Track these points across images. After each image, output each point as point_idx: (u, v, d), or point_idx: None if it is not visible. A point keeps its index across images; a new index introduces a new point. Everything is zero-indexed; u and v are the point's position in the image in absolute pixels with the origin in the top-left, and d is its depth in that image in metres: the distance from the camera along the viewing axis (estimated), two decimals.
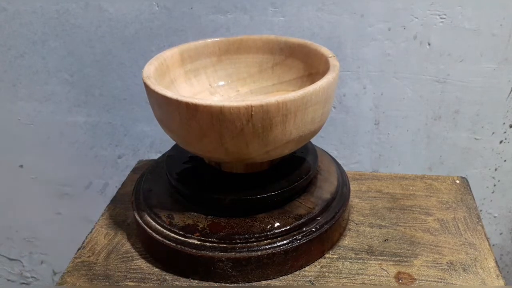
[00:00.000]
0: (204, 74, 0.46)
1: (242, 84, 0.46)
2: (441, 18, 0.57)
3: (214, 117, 0.32)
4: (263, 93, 0.45)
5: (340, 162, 0.47)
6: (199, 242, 0.36)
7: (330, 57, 0.38)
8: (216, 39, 0.45)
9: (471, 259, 0.38)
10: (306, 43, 0.42)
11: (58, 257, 0.83)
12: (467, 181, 0.49)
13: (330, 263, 0.38)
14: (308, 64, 0.42)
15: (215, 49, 0.45)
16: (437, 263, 0.38)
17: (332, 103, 0.38)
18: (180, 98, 0.32)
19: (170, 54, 0.42)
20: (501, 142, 0.66)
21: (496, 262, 0.38)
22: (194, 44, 0.44)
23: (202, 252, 0.35)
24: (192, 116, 0.32)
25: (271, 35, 0.45)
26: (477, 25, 0.57)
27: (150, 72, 0.38)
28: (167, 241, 0.37)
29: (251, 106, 0.31)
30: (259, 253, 0.35)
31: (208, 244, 0.36)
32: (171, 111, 0.34)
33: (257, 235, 0.36)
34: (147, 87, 0.35)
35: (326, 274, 0.37)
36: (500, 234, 0.75)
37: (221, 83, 0.46)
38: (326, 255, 0.39)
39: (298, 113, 0.33)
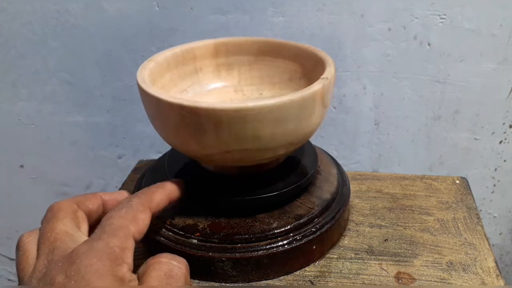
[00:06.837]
0: (237, 70, 0.46)
1: (270, 88, 0.46)
2: (441, 18, 0.57)
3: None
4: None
5: (340, 162, 0.47)
6: (199, 242, 0.36)
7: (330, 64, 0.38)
8: (257, 38, 0.45)
9: (471, 259, 0.39)
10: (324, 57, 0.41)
11: None
12: (467, 181, 0.49)
13: (330, 263, 0.38)
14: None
15: (253, 47, 0.45)
16: (437, 263, 0.38)
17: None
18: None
19: (203, 44, 0.44)
20: (501, 142, 0.66)
21: (496, 262, 0.38)
22: (233, 39, 0.45)
23: (202, 252, 0.35)
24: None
25: (308, 45, 0.43)
26: (477, 25, 0.57)
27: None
28: (167, 241, 0.37)
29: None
30: (259, 253, 0.35)
31: (208, 244, 0.36)
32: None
33: (257, 235, 0.36)
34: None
35: (326, 274, 0.37)
36: (500, 234, 0.75)
37: (250, 82, 0.46)
38: (326, 255, 0.39)
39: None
